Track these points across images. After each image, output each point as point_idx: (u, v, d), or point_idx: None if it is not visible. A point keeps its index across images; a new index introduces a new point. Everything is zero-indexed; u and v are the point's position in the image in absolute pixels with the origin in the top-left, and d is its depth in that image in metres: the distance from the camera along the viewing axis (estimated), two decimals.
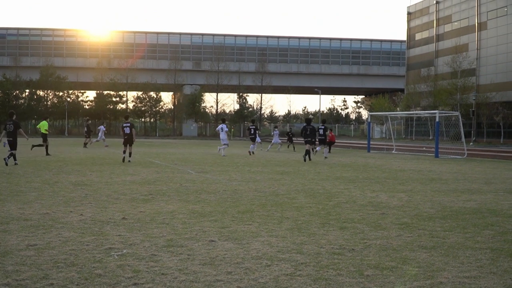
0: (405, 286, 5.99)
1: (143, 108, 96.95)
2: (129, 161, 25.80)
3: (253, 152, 35.04)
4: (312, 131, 29.30)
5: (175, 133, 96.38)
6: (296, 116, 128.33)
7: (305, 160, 28.19)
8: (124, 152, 26.18)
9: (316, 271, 6.56)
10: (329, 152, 37.46)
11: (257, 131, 37.42)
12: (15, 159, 22.98)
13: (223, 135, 33.21)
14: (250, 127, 38.36)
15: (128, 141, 26.13)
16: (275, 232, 8.96)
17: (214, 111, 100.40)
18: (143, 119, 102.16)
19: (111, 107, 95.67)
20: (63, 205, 11.54)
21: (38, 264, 6.67)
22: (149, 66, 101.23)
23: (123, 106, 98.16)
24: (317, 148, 33.83)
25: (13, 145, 22.93)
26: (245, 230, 9.05)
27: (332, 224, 9.72)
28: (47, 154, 30.25)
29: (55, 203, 11.88)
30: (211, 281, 6.07)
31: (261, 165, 25.33)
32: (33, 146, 32.34)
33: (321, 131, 32.84)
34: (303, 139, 29.60)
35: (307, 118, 31.33)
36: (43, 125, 32.47)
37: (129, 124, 26.61)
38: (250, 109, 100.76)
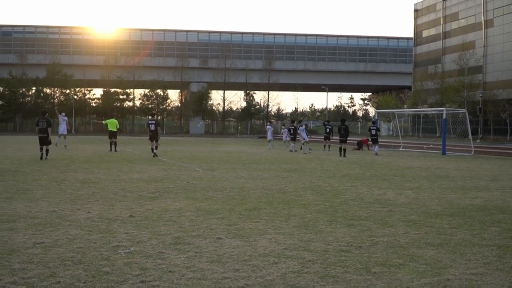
0: (412, 283, 5.99)
1: (150, 106, 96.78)
2: (155, 154, 27.84)
3: (295, 150, 36.65)
4: (345, 131, 32.02)
5: (182, 131, 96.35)
6: (303, 113, 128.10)
7: (340, 156, 30.90)
8: (152, 148, 28.42)
9: (324, 268, 6.56)
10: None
11: (296, 130, 38.70)
12: (46, 154, 24.75)
13: (303, 135, 36.00)
14: (290, 127, 39.95)
15: (154, 137, 28.24)
16: (282, 229, 8.96)
17: (221, 108, 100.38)
18: (150, 117, 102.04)
19: (118, 104, 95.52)
20: (70, 203, 11.56)
21: (45, 262, 6.68)
22: (156, 64, 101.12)
23: (130, 103, 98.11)
24: (375, 149, 35.42)
25: (46, 141, 24.78)
26: (252, 228, 9.05)
27: (339, 222, 9.72)
28: (115, 150, 32.43)
29: (62, 201, 11.91)
30: (218, 278, 6.08)
31: (268, 162, 25.33)
32: (115, 150, 32.93)
33: (373, 131, 35.62)
34: (338, 138, 32.55)
35: (342, 118, 34.47)
36: (112, 123, 34.13)
37: (154, 122, 28.83)
38: (257, 106, 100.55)
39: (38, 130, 25.00)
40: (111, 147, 32.60)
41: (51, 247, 7.48)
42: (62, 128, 35.52)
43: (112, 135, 33.19)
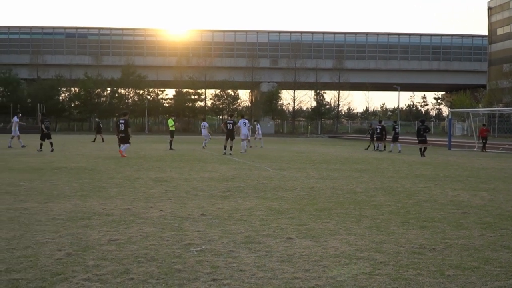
0: (486, 287, 5.84)
1: (221, 106, 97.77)
2: (230, 154, 29.22)
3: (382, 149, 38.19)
4: (425, 130, 32.42)
5: (252, 131, 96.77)
6: (374, 113, 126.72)
7: (421, 156, 30.91)
8: (225, 146, 30.08)
9: (396, 270, 6.47)
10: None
11: (383, 131, 38.50)
12: (51, 145, 29.42)
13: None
14: (377, 126, 39.50)
15: (230, 136, 30.13)
16: (353, 230, 8.88)
17: (291, 108, 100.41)
18: (220, 117, 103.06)
19: (190, 104, 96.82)
20: (143, 201, 11.75)
21: (119, 259, 6.80)
22: (227, 64, 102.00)
23: (202, 103, 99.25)
24: (398, 146, 35.68)
25: (48, 136, 29.99)
26: (323, 228, 9.00)
27: (412, 223, 9.57)
28: (170, 149, 33.48)
29: (136, 199, 12.11)
30: (289, 278, 6.07)
31: (338, 162, 25.17)
32: (170, 147, 34.22)
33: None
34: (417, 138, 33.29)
35: (422, 119, 35.15)
36: (169, 123, 35.96)
37: (232, 122, 30.75)
38: (328, 106, 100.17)
39: (45, 128, 29.92)
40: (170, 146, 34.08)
41: (125, 244, 7.62)
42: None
43: (171, 133, 34.94)
